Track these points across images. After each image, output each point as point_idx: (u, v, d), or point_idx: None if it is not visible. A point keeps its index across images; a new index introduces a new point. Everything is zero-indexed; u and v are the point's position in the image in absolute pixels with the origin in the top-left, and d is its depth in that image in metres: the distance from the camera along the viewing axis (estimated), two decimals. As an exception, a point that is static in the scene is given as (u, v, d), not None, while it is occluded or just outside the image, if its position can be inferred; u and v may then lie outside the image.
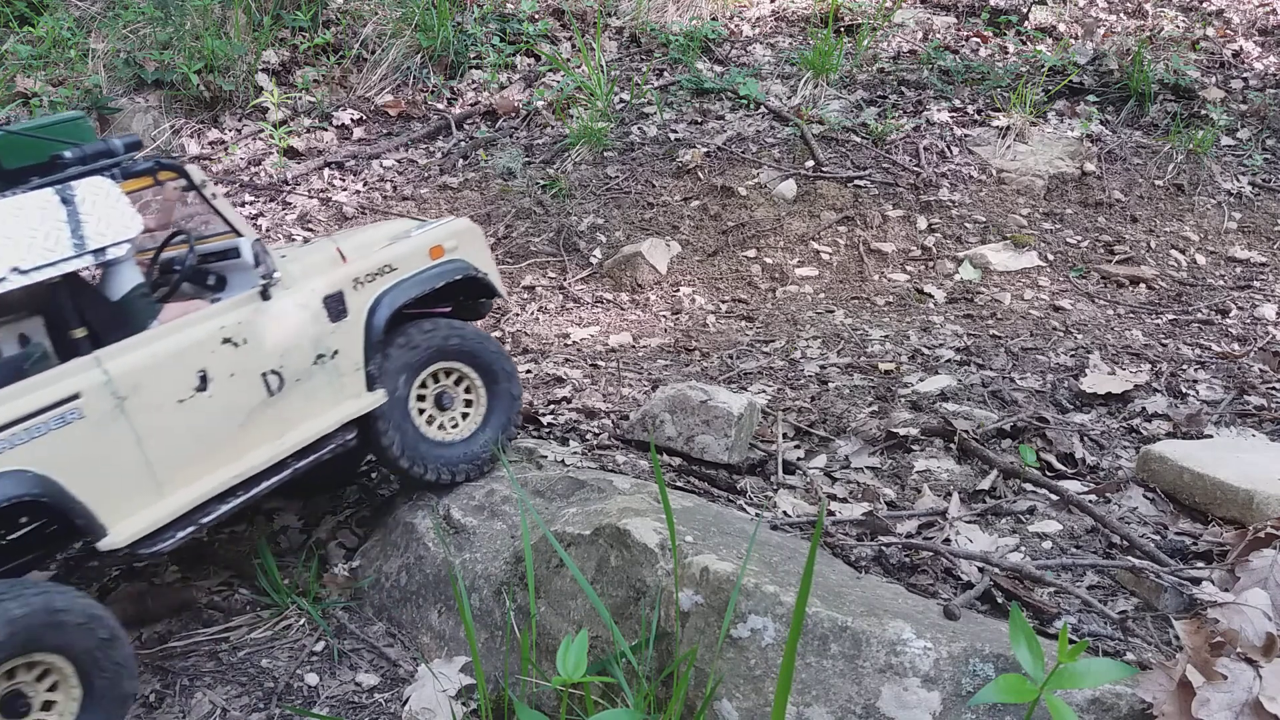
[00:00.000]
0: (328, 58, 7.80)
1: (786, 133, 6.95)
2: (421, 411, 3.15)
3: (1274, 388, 4.30)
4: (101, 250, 2.47)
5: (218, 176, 7.18)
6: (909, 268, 6.11)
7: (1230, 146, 7.21)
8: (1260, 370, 4.57)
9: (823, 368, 4.72)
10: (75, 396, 2.36)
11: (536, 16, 8.09)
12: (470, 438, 3.22)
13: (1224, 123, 7.27)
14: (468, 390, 3.25)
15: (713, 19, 8.20)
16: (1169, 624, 2.32)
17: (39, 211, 2.37)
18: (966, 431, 3.54)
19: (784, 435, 3.70)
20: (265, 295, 2.75)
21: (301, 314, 2.80)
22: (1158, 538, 2.82)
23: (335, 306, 2.88)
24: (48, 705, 2.28)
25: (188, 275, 2.83)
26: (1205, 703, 1.92)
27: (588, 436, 3.72)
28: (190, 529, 2.56)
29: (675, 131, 6.99)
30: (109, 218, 2.48)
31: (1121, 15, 8.65)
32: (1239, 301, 5.86)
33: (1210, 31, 8.34)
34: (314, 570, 3.31)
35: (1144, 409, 3.96)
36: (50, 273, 2.38)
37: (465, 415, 3.25)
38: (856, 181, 6.52)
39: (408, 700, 2.59)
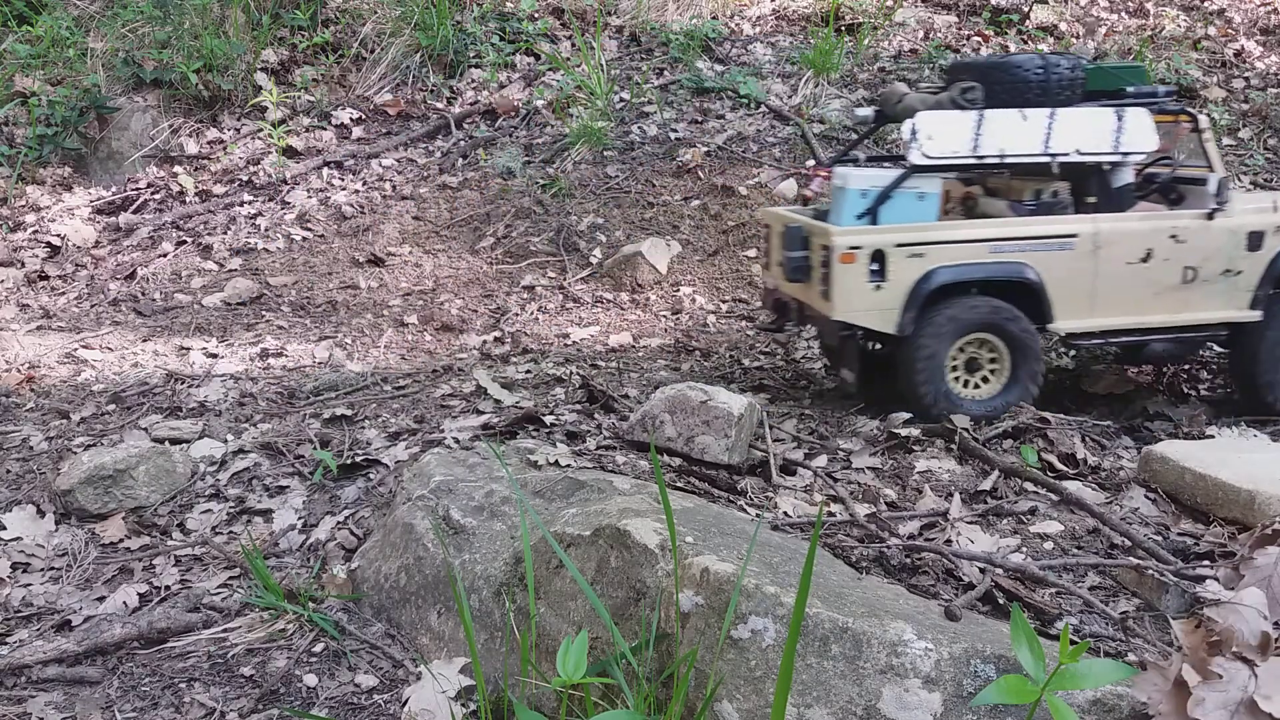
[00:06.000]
0: (326, 57, 7.78)
1: (787, 132, 6.94)
2: None
3: (1275, 387, 4.28)
4: (1126, 154, 3.77)
5: (215, 176, 7.17)
6: (909, 267, 6.09)
7: (1232, 146, 7.19)
8: (1262, 370, 4.55)
9: (824, 367, 4.71)
10: (1074, 235, 3.74)
11: (536, 15, 8.07)
12: None
13: (1225, 122, 7.25)
14: None
15: (713, 18, 8.18)
16: (1170, 624, 2.32)
17: (1102, 121, 3.70)
18: (967, 431, 3.54)
19: (785, 436, 3.69)
20: (1210, 217, 3.85)
21: (1229, 238, 3.88)
22: (1159, 538, 2.81)
23: (1254, 240, 3.89)
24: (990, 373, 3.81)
25: (1160, 189, 4.07)
26: (1200, 702, 1.92)
27: (587, 437, 3.71)
28: (1098, 341, 3.89)
29: (675, 131, 6.98)
30: (1139, 134, 3.73)
31: (1123, 14, 8.63)
32: (1240, 301, 5.83)
33: (1212, 31, 8.32)
34: (314, 571, 3.30)
35: (1145, 409, 3.95)
36: (1094, 159, 3.78)
37: None
38: (857, 181, 6.50)
39: (407, 701, 2.58)
